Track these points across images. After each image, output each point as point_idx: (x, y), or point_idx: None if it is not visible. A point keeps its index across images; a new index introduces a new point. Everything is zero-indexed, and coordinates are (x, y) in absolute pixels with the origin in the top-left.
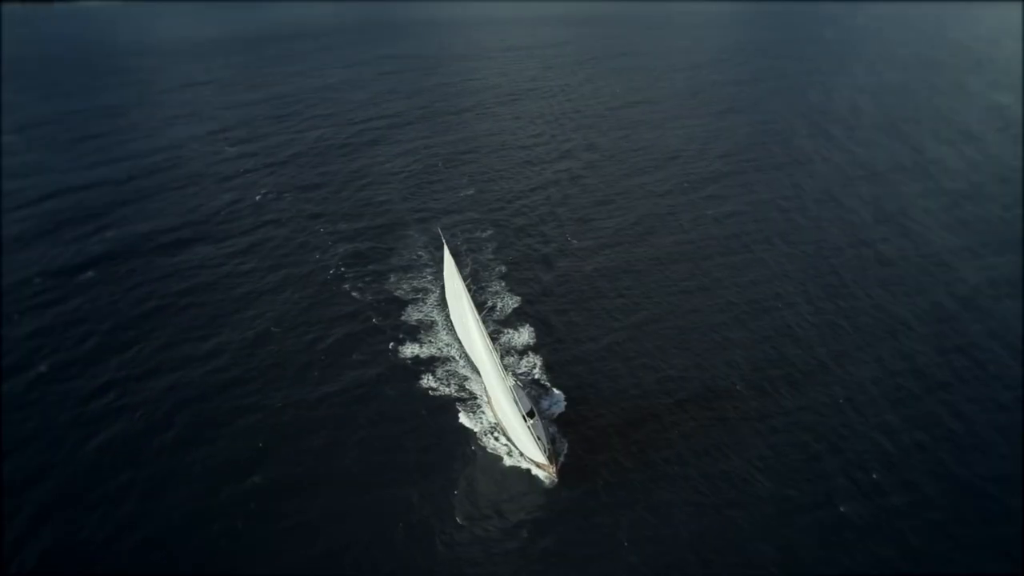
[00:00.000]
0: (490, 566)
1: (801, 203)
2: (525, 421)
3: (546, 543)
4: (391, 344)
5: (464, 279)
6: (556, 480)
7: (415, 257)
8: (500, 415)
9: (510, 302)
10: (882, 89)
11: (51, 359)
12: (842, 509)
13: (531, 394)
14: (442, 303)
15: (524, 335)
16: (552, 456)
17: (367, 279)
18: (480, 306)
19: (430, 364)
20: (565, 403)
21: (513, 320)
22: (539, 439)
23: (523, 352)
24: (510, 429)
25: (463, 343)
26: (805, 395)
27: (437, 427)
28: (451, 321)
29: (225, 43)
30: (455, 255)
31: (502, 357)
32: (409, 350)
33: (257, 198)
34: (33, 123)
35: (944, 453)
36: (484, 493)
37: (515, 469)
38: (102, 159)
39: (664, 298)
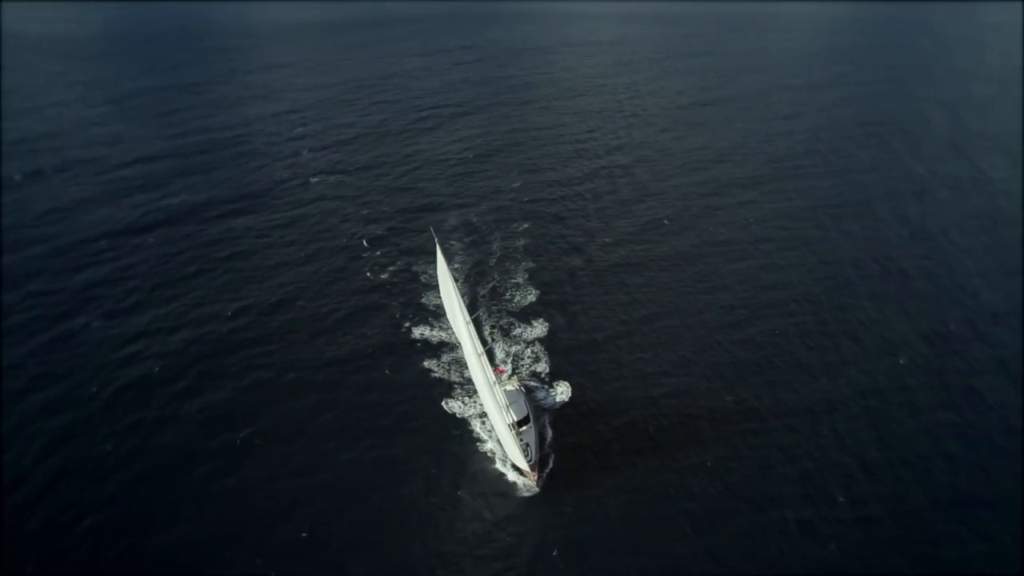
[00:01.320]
0: (431, 554)
1: (839, 214)
2: (511, 429)
3: (505, 546)
4: (404, 324)
5: (470, 274)
6: (537, 489)
7: (447, 246)
8: (490, 418)
9: (529, 293)
10: (964, 103)
11: (97, 309)
12: (836, 518)
13: (532, 394)
14: (461, 292)
15: (537, 328)
16: (536, 465)
17: (394, 260)
18: (498, 295)
19: (437, 349)
20: (569, 395)
21: (528, 311)
22: (527, 446)
23: (531, 343)
24: (498, 433)
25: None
26: (803, 416)
27: (426, 409)
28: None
29: (317, 27)
30: (447, 256)
31: (489, 358)
32: (418, 332)
33: (310, 177)
34: (126, 97)
35: (935, 470)
36: (455, 484)
37: (495, 467)
38: (179, 132)
39: (676, 299)
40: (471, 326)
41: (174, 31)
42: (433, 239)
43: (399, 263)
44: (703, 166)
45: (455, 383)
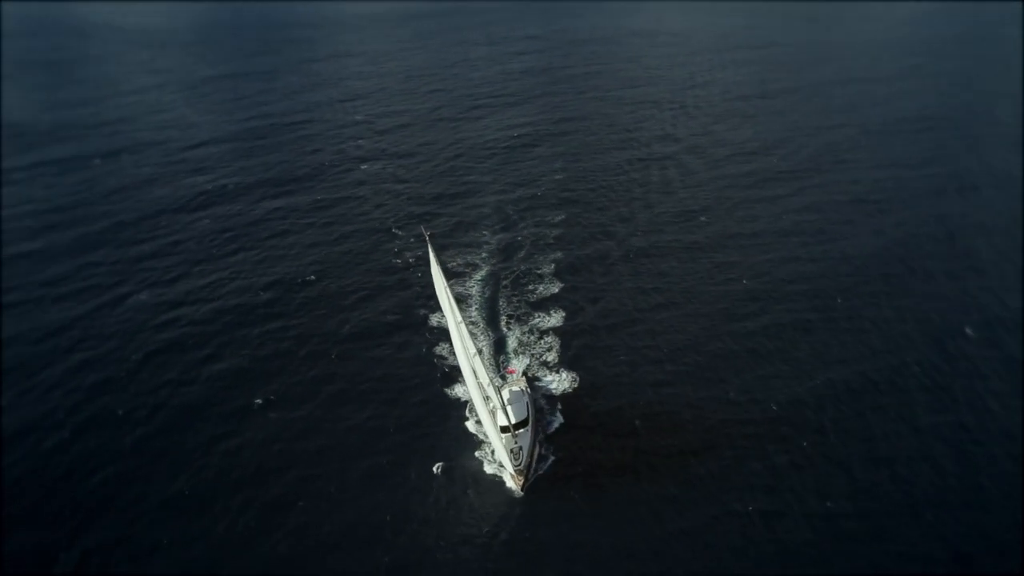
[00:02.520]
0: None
1: (875, 211)
2: (508, 431)
3: (478, 548)
4: (421, 309)
5: (496, 261)
6: (520, 493)
7: (478, 234)
8: (480, 420)
9: (553, 283)
10: None
11: (144, 280)
12: (836, 516)
13: (537, 390)
14: (484, 280)
15: (553, 318)
16: (523, 469)
17: (424, 245)
18: (520, 283)
19: (450, 335)
20: (575, 384)
21: (549, 301)
22: (519, 449)
23: (544, 333)
24: (488, 435)
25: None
26: (798, 418)
27: (430, 391)
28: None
29: (388, 17)
30: (439, 255)
31: (494, 359)
32: (436, 319)
33: (359, 162)
34: (200, 84)
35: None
36: (440, 465)
37: (485, 463)
38: (244, 117)
39: (694, 290)
40: (463, 327)
41: (253, 24)
42: (425, 237)
43: (423, 250)
44: (748, 158)
45: (455, 367)
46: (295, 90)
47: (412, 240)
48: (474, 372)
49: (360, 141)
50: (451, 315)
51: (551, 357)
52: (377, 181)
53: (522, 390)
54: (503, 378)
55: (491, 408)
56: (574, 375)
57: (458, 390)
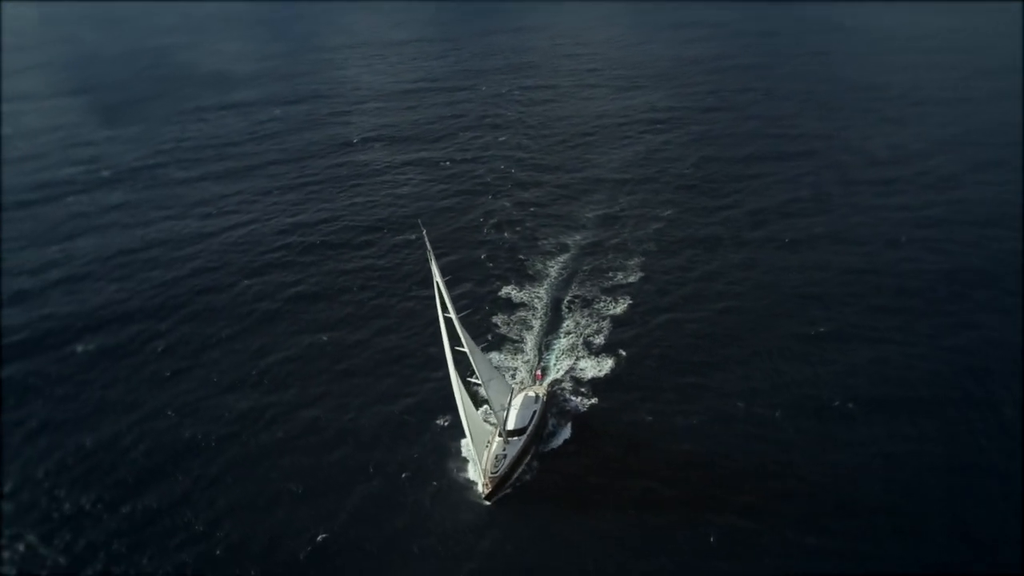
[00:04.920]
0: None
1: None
2: (496, 436)
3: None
4: (495, 279)
5: (584, 247)
6: (487, 503)
7: (580, 212)
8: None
9: (633, 273)
10: None
11: (269, 212)
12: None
13: (551, 406)
14: (566, 258)
15: (618, 306)
16: (496, 479)
17: (521, 221)
18: (601, 268)
19: (512, 308)
20: (598, 372)
21: (621, 289)
22: (502, 458)
23: (602, 318)
24: (470, 432)
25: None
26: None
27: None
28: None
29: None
30: (435, 251)
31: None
32: (505, 290)
33: (493, 132)
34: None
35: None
36: (413, 463)
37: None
38: (409, 79)
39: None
40: (457, 322)
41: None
42: (422, 232)
43: (526, 224)
44: (900, 167)
45: (511, 339)
46: (464, 58)
47: (508, 207)
48: (459, 374)
49: (501, 110)
50: (440, 315)
51: (597, 340)
52: (503, 149)
53: (536, 397)
54: (534, 381)
55: (485, 412)
56: (610, 364)
57: (494, 357)
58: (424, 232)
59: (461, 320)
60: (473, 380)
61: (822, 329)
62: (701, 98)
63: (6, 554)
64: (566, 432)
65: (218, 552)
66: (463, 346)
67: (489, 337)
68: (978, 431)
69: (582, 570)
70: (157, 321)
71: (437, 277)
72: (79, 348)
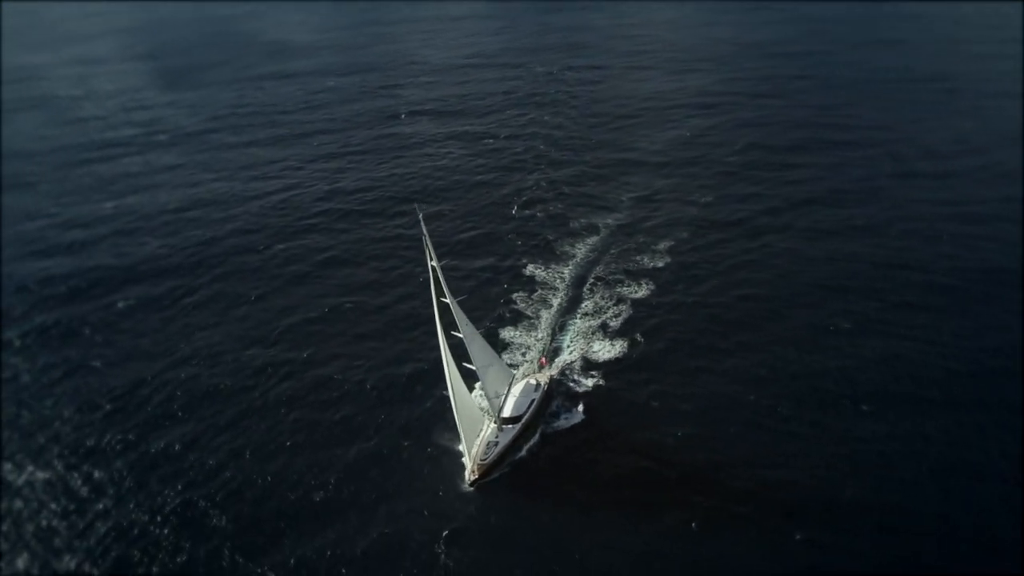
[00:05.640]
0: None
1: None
2: (473, 426)
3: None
4: (521, 258)
5: (616, 231)
6: (471, 489)
7: (614, 195)
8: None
9: (661, 259)
10: None
11: (312, 178)
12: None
13: (554, 394)
14: (595, 241)
15: (641, 291)
16: (484, 466)
17: (552, 203)
18: (629, 252)
19: (534, 286)
20: (611, 355)
21: (646, 274)
22: (493, 445)
23: (622, 301)
24: (459, 417)
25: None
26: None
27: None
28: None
29: None
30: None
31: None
32: (530, 268)
33: (538, 110)
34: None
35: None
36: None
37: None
38: (465, 54)
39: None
40: (455, 307)
41: None
42: (418, 217)
43: (558, 203)
44: (959, 160)
45: (527, 316)
46: (521, 36)
47: (544, 185)
48: (453, 355)
49: (549, 88)
50: (434, 299)
51: (614, 323)
52: (546, 127)
53: (537, 385)
54: (539, 367)
55: (496, 396)
56: (623, 347)
57: (507, 333)
58: (420, 216)
59: (459, 304)
60: (468, 365)
61: (841, 322)
62: (755, 84)
63: (29, 480)
64: (571, 412)
65: (218, 497)
66: (460, 332)
67: (506, 313)
68: (988, 435)
69: (558, 537)
70: (193, 278)
71: (433, 261)
72: (119, 299)
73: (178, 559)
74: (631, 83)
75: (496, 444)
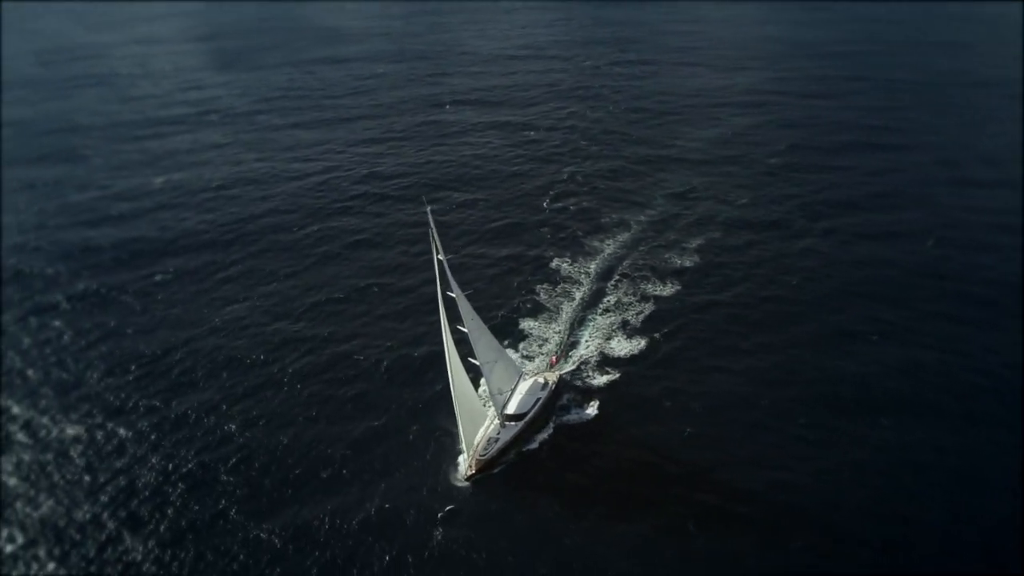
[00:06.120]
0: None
1: None
2: (473, 420)
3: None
4: (548, 250)
5: (647, 228)
6: (467, 484)
7: (648, 193)
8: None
9: (689, 258)
10: None
11: (354, 161)
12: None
13: (552, 387)
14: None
15: (666, 288)
16: (483, 462)
17: (585, 198)
18: (658, 249)
19: (558, 279)
20: (628, 351)
21: (673, 274)
22: (494, 442)
23: (646, 298)
24: (459, 411)
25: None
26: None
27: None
28: None
29: None
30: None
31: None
32: (556, 262)
33: (584, 102)
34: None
35: None
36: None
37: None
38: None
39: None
40: (464, 301)
41: None
42: (426, 210)
43: (592, 197)
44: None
45: (548, 308)
46: (573, 29)
47: (580, 179)
48: (456, 349)
49: (595, 82)
50: (440, 295)
51: (634, 321)
52: (588, 120)
53: (545, 383)
54: (549, 367)
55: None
56: (641, 344)
57: (526, 324)
58: (428, 209)
59: (468, 299)
60: (474, 360)
61: (866, 329)
62: (805, 83)
63: (59, 435)
64: (583, 406)
65: (230, 462)
66: (464, 326)
67: (528, 305)
68: (1007, 453)
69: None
70: (228, 253)
71: (440, 255)
72: (157, 270)
73: (186, 517)
74: (678, 79)
75: (497, 440)
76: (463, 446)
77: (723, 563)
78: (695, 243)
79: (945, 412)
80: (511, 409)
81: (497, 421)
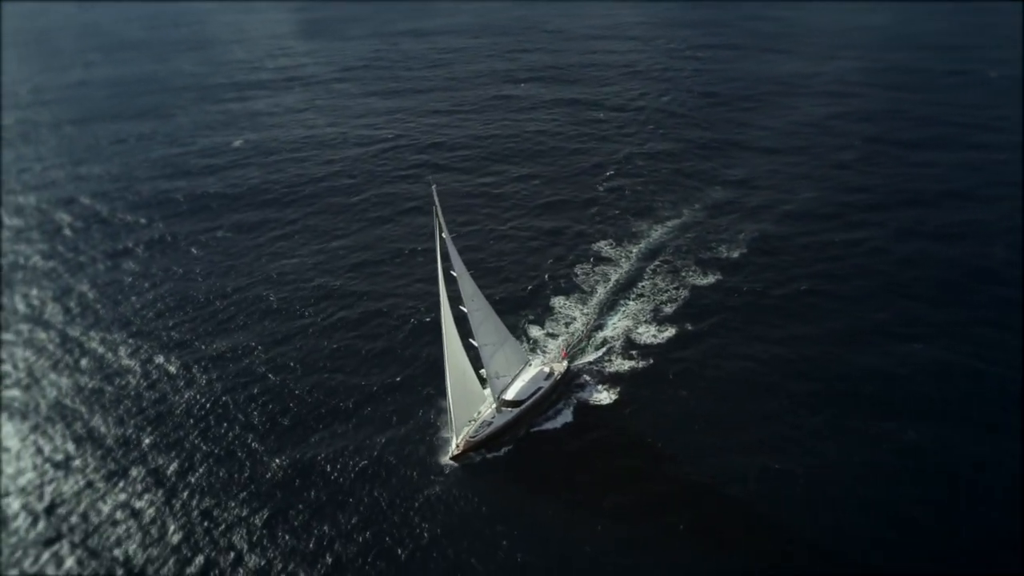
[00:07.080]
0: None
1: None
2: (466, 401)
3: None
4: (592, 232)
5: (689, 218)
6: (454, 464)
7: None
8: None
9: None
10: None
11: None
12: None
13: (557, 378)
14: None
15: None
16: (473, 444)
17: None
18: (704, 239)
19: (598, 261)
20: (654, 339)
21: (715, 264)
22: (486, 425)
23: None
24: (451, 394)
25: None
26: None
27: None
28: None
29: None
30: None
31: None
32: (598, 245)
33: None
34: None
35: None
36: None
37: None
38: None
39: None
40: (469, 280)
41: None
42: (432, 192)
43: (649, 181)
44: None
45: (582, 289)
46: (661, 11)
47: (640, 162)
48: (455, 329)
49: (674, 63)
50: (440, 275)
51: (666, 308)
52: (660, 102)
53: (551, 373)
54: (558, 356)
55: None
56: (668, 332)
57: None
58: (434, 188)
59: (472, 278)
60: (473, 342)
61: (905, 329)
62: (896, 76)
63: (118, 361)
64: (598, 390)
65: (257, 400)
66: (465, 306)
67: (563, 282)
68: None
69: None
70: (286, 212)
71: (444, 233)
72: (220, 223)
73: (207, 441)
74: (761, 65)
75: (490, 424)
76: (452, 425)
77: (723, 561)
78: (744, 234)
79: (969, 420)
80: (509, 395)
81: (493, 406)
